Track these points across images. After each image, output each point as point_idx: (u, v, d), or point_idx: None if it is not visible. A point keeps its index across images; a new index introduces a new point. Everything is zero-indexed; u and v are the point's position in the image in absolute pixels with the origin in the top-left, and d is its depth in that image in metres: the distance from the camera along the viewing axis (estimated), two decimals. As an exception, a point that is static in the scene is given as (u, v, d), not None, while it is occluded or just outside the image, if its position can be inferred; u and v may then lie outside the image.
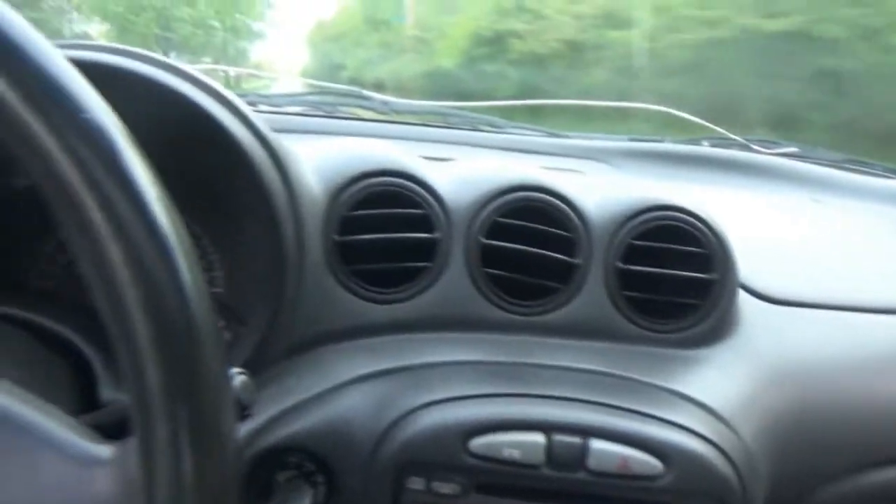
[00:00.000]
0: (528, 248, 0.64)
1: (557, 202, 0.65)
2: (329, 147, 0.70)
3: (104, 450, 0.30)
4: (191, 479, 0.28)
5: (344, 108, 1.09)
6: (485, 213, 0.65)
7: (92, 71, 0.28)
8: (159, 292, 0.27)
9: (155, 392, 0.28)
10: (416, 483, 0.57)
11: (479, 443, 0.56)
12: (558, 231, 0.65)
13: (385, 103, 1.08)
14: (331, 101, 1.09)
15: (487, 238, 0.65)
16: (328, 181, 0.64)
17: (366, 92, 1.09)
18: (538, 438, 0.56)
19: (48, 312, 0.59)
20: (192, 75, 0.54)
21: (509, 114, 1.17)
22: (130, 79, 0.52)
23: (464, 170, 0.71)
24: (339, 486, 0.59)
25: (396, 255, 0.64)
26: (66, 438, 0.30)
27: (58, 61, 0.27)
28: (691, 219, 0.66)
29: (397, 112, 1.10)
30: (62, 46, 0.43)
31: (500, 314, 0.66)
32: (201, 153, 0.56)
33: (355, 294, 0.64)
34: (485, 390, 0.59)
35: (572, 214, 0.65)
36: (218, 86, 0.55)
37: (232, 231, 0.63)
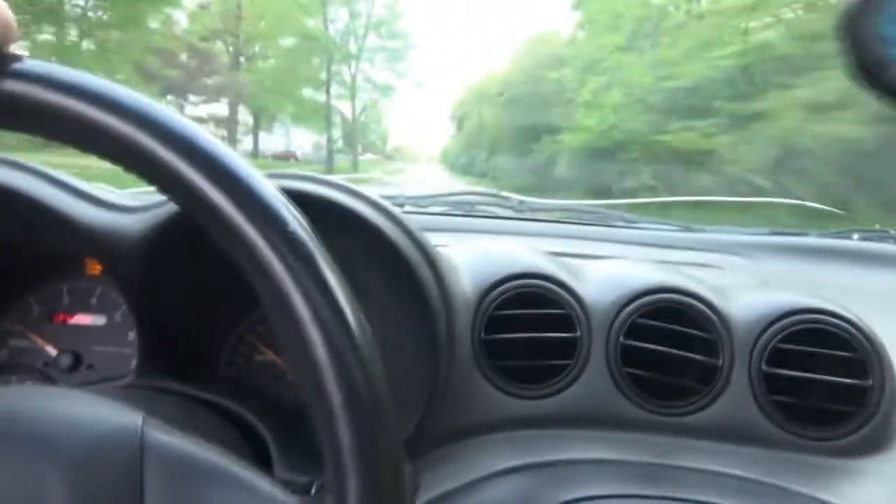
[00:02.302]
0: (669, 350, 0.65)
1: (698, 304, 0.66)
2: (476, 250, 0.76)
3: (310, 502, 0.35)
4: None
5: (482, 208, 1.16)
6: (624, 314, 0.67)
7: (292, 195, 0.35)
8: (349, 368, 0.33)
9: (346, 452, 0.33)
10: None
11: None
12: (699, 333, 0.66)
13: (521, 202, 1.15)
14: (470, 201, 1.17)
15: (627, 338, 0.67)
16: (477, 282, 0.70)
17: (503, 192, 1.16)
18: None
19: (233, 397, 0.67)
20: (361, 194, 0.62)
21: (642, 210, 1.19)
22: (316, 201, 0.61)
23: (603, 270, 0.75)
24: None
25: (539, 353, 0.68)
26: (277, 493, 0.36)
27: (271, 189, 0.34)
28: (842, 322, 0.65)
29: (533, 210, 1.16)
30: (272, 177, 0.53)
31: (640, 413, 0.67)
32: (369, 261, 0.63)
33: (500, 389, 0.68)
34: (629, 490, 0.60)
35: (713, 316, 0.66)
36: (384, 202, 0.63)
37: (390, 328, 0.69)
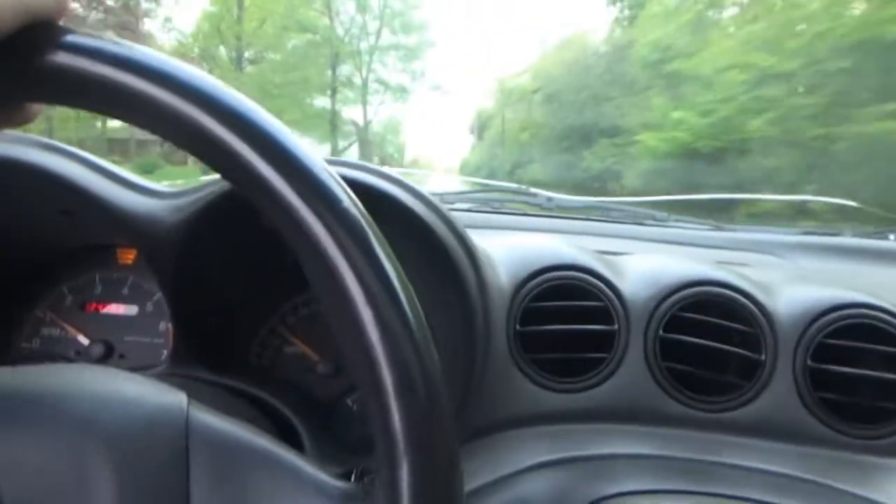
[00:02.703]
0: (711, 343, 0.64)
1: (740, 297, 0.65)
2: (510, 242, 0.75)
3: (354, 487, 0.35)
4: None
5: (510, 205, 1.15)
6: (664, 307, 0.66)
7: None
8: (402, 349, 0.32)
9: (399, 437, 0.32)
10: None
11: None
12: (741, 327, 0.64)
13: (549, 199, 1.14)
14: (498, 198, 1.16)
15: (666, 332, 0.65)
16: (512, 275, 0.69)
17: (532, 189, 1.15)
18: None
19: (265, 388, 0.67)
20: (406, 184, 0.62)
21: (674, 208, 1.17)
22: (364, 188, 0.60)
23: (640, 263, 0.73)
24: None
25: (575, 346, 0.67)
26: (322, 478, 0.35)
27: (325, 169, 0.33)
28: (889, 317, 0.63)
29: (561, 208, 1.15)
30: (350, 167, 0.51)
31: (679, 409, 0.65)
32: (411, 250, 0.63)
33: (535, 382, 0.67)
34: (667, 486, 0.58)
35: (756, 310, 0.65)
36: (428, 194, 0.62)
37: (428, 317, 0.68)
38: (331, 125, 19.18)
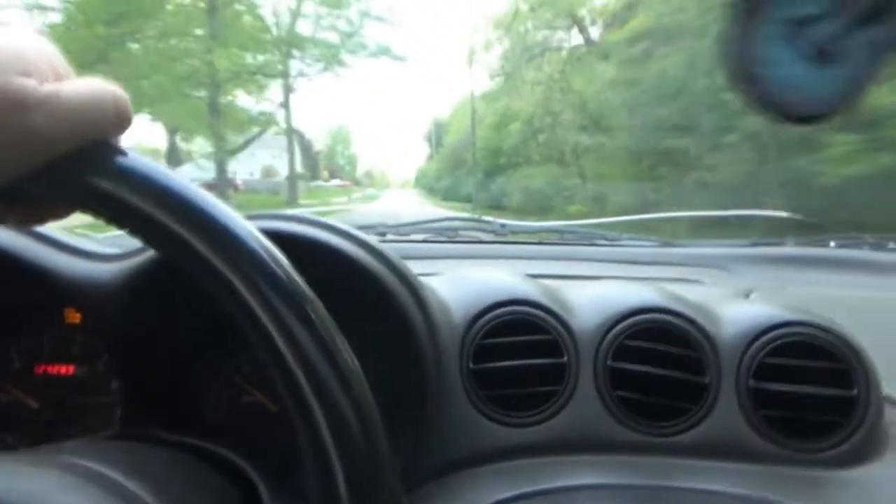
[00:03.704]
0: (656, 370, 0.65)
1: (682, 322, 0.67)
2: (459, 278, 0.77)
3: None
4: None
5: (464, 233, 1.17)
6: (610, 336, 0.68)
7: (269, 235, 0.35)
8: (341, 410, 0.32)
9: (342, 499, 0.32)
10: None
11: None
12: (685, 351, 0.66)
13: (503, 226, 1.16)
14: (453, 227, 1.18)
15: (615, 360, 0.67)
16: (462, 313, 0.70)
17: (485, 217, 1.16)
18: None
19: (222, 442, 0.66)
20: (339, 228, 0.63)
21: (623, 229, 1.20)
22: (292, 239, 0.61)
23: (588, 292, 0.75)
24: None
25: (529, 380, 0.68)
26: None
27: (247, 230, 0.34)
28: (825, 334, 0.65)
29: (514, 233, 1.17)
30: (251, 218, 0.52)
31: (632, 435, 0.67)
32: (350, 295, 0.63)
33: (491, 419, 0.68)
34: None
35: (697, 334, 0.67)
36: (370, 238, 0.63)
37: (375, 362, 0.69)
38: (210, 109, 13.94)
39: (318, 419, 0.32)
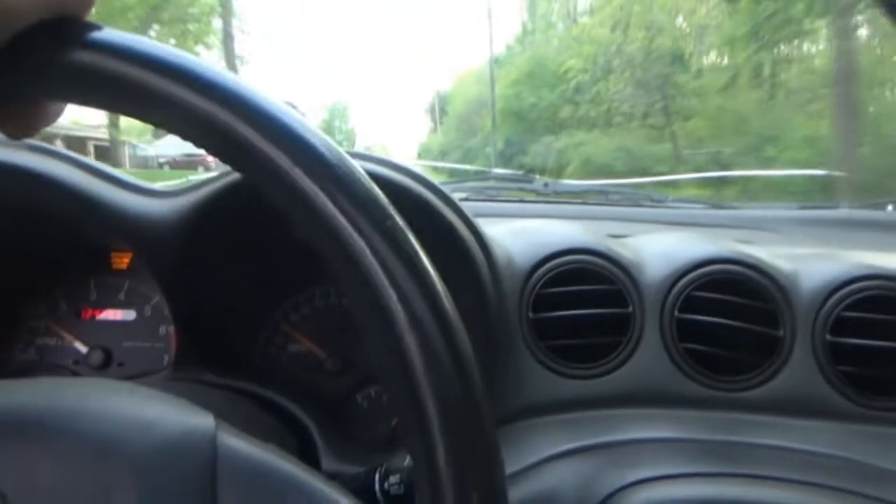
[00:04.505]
0: (730, 322, 0.62)
1: (756, 274, 0.64)
2: (518, 228, 0.74)
3: None
4: None
5: (506, 192, 1.14)
6: (679, 287, 0.65)
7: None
8: (448, 376, 0.30)
9: (443, 466, 0.30)
10: None
11: None
12: (758, 304, 0.63)
13: (546, 185, 1.12)
14: (494, 186, 1.14)
15: (682, 312, 0.64)
16: (522, 262, 0.67)
17: (528, 174, 1.13)
18: None
19: (272, 388, 0.65)
20: (421, 176, 0.60)
21: (671, 188, 1.16)
22: (388, 186, 0.58)
23: (651, 244, 0.72)
24: None
25: (590, 331, 0.65)
26: None
27: (365, 179, 0.31)
28: None
29: (558, 193, 1.13)
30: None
31: (698, 390, 0.64)
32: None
33: (551, 370, 0.65)
34: (698, 469, 0.58)
35: (772, 286, 0.64)
36: (435, 181, 0.60)
37: None
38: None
39: (420, 383, 0.30)
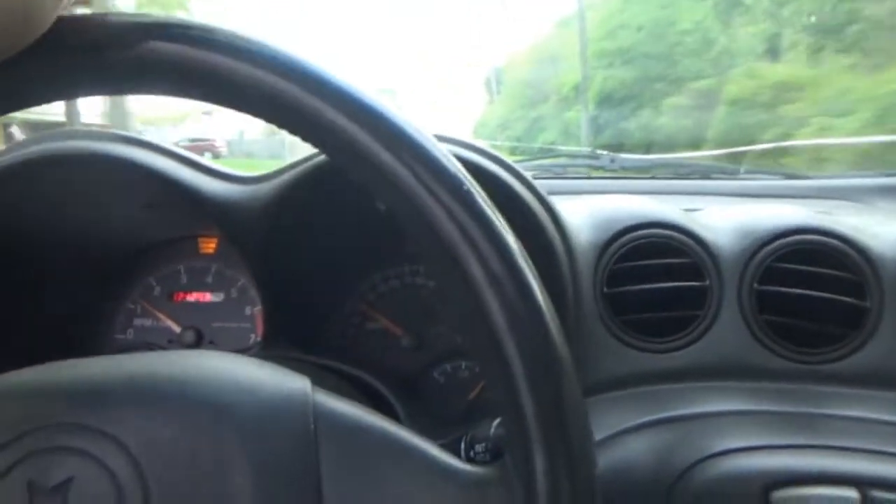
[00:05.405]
0: (814, 293, 0.61)
1: (840, 244, 0.62)
2: (590, 203, 0.74)
3: (487, 472, 0.34)
4: (567, 495, 0.31)
5: (573, 169, 1.13)
6: (757, 259, 0.64)
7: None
8: (531, 335, 0.31)
9: (531, 422, 0.31)
10: None
11: (783, 495, 0.54)
12: (843, 274, 0.62)
13: (613, 160, 1.11)
14: (561, 163, 1.14)
15: (762, 284, 0.63)
16: (595, 237, 0.67)
17: (596, 150, 1.12)
18: (851, 494, 0.53)
19: (352, 364, 0.68)
20: (493, 154, 0.61)
21: (742, 160, 1.13)
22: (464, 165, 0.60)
23: (726, 215, 0.71)
24: None
25: (664, 305, 0.65)
26: (453, 463, 0.34)
27: (442, 151, 0.32)
28: None
29: (625, 168, 1.12)
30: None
31: (780, 362, 0.63)
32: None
33: (627, 344, 0.66)
34: (780, 441, 0.57)
35: (857, 256, 0.62)
36: (508, 159, 0.61)
37: None
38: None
39: (509, 346, 0.31)
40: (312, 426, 0.31)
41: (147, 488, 0.28)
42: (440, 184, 0.31)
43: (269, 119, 0.31)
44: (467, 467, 0.34)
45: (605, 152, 1.11)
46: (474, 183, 0.32)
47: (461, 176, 0.31)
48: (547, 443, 0.31)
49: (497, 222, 0.31)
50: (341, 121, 0.29)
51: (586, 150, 1.16)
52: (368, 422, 0.33)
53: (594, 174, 1.12)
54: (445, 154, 0.32)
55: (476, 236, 0.31)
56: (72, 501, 0.27)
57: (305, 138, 0.31)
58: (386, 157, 0.30)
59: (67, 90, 0.30)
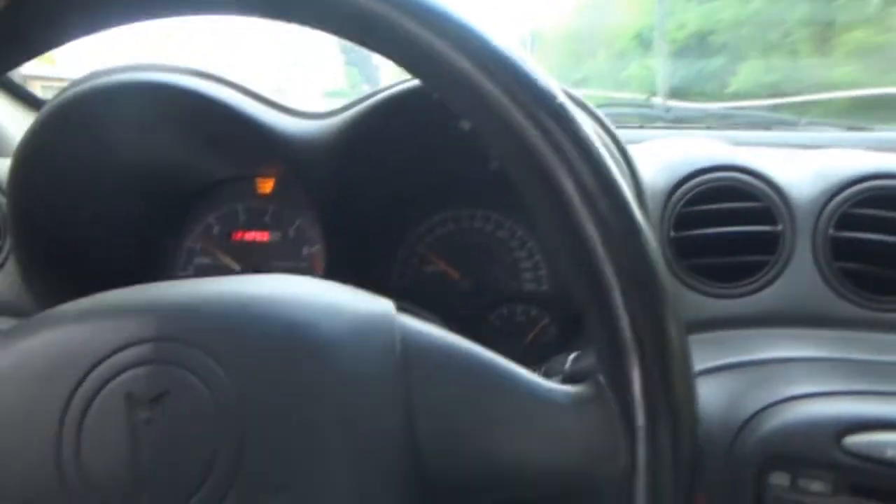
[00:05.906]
0: (892, 238, 0.59)
1: None
2: (657, 145, 0.72)
3: (584, 390, 0.34)
4: (665, 412, 0.30)
5: (627, 119, 1.10)
6: (833, 204, 0.62)
7: None
8: (627, 250, 0.30)
9: (628, 339, 0.30)
10: (779, 478, 0.56)
11: (855, 441, 0.53)
12: None
13: (668, 110, 1.08)
14: (614, 113, 1.11)
15: (837, 230, 0.62)
16: (662, 180, 0.66)
17: (651, 99, 1.09)
18: None
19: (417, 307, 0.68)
20: (571, 94, 0.60)
21: (802, 110, 1.09)
22: None
23: (800, 159, 0.69)
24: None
25: (733, 250, 0.64)
26: (545, 384, 0.34)
27: (533, 64, 0.31)
28: None
29: (679, 119, 1.09)
30: None
31: (853, 310, 0.62)
32: None
33: (694, 289, 0.65)
34: (855, 387, 0.56)
35: None
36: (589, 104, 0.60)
37: None
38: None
39: (604, 263, 0.30)
40: (399, 345, 0.31)
41: (244, 399, 0.28)
42: (532, 97, 0.30)
43: (357, 40, 0.31)
44: (561, 386, 0.34)
45: (659, 100, 1.08)
46: (566, 98, 0.31)
47: (553, 90, 0.30)
48: (643, 358, 0.31)
49: (590, 137, 0.30)
50: (426, 35, 0.29)
51: (639, 97, 1.12)
52: (456, 342, 0.33)
53: (647, 124, 1.09)
54: (536, 67, 0.31)
55: (568, 149, 0.30)
56: (170, 412, 0.27)
57: (390, 55, 0.31)
58: (472, 69, 0.29)
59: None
